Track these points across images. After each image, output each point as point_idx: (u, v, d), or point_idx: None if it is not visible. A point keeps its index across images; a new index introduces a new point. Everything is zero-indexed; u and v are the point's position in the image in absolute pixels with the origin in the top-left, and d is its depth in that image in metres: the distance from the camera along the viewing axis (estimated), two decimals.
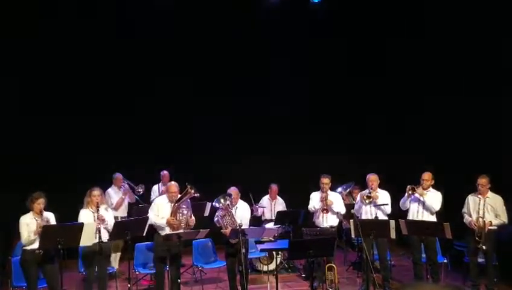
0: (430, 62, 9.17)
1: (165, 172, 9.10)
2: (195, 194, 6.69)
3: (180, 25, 9.99)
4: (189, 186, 6.67)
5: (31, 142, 8.95)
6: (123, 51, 9.63)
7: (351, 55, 10.39)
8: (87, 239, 6.10)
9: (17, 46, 8.92)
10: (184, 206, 6.76)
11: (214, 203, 6.93)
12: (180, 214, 6.71)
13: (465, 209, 7.03)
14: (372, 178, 7.37)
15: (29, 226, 6.05)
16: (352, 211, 7.13)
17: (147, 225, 6.65)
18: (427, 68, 9.28)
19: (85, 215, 6.43)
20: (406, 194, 7.10)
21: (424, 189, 7.07)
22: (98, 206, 6.46)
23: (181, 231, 6.63)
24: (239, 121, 10.24)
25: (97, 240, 6.34)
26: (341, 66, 10.44)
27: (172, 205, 6.73)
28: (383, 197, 7.32)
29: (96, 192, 6.50)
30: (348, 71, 10.44)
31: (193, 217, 6.85)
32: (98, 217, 6.39)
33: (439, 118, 9.02)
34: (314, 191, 7.68)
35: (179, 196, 6.74)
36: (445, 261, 7.52)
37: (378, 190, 7.36)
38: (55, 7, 9.19)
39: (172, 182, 6.95)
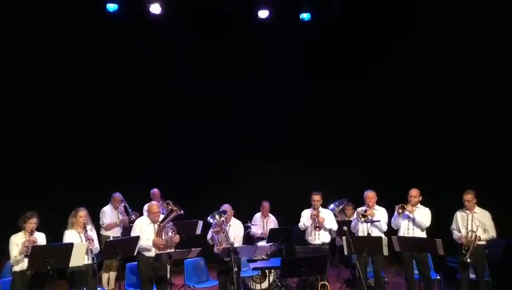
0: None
1: (155, 190, 8.90)
2: (180, 212, 6.61)
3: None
4: (172, 205, 6.62)
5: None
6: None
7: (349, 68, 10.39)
8: (77, 260, 6.00)
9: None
10: (168, 225, 6.68)
11: (208, 219, 6.91)
12: (165, 234, 6.63)
13: (453, 226, 7.05)
14: (370, 195, 7.27)
15: (18, 246, 5.98)
16: (345, 228, 7.08)
17: (138, 245, 6.57)
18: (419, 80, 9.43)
19: (71, 237, 6.25)
20: (396, 213, 7.09)
21: (412, 205, 7.05)
22: (85, 227, 6.37)
23: (172, 250, 6.56)
24: (229, 138, 10.26)
25: (89, 261, 6.26)
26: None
27: (157, 225, 6.65)
28: (381, 214, 7.24)
29: (82, 212, 6.36)
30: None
31: (177, 235, 6.74)
32: (88, 238, 6.29)
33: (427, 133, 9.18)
34: (306, 208, 7.65)
35: (162, 216, 6.68)
36: (438, 277, 7.48)
37: (376, 207, 7.28)
38: None
39: (154, 202, 6.88)
